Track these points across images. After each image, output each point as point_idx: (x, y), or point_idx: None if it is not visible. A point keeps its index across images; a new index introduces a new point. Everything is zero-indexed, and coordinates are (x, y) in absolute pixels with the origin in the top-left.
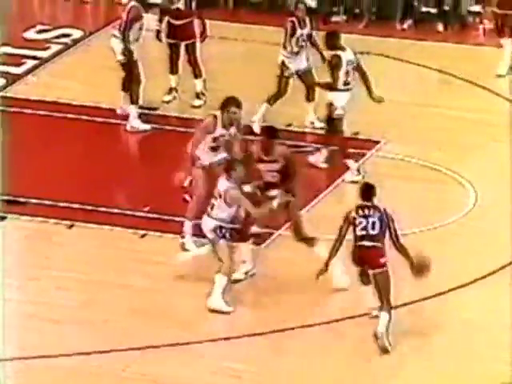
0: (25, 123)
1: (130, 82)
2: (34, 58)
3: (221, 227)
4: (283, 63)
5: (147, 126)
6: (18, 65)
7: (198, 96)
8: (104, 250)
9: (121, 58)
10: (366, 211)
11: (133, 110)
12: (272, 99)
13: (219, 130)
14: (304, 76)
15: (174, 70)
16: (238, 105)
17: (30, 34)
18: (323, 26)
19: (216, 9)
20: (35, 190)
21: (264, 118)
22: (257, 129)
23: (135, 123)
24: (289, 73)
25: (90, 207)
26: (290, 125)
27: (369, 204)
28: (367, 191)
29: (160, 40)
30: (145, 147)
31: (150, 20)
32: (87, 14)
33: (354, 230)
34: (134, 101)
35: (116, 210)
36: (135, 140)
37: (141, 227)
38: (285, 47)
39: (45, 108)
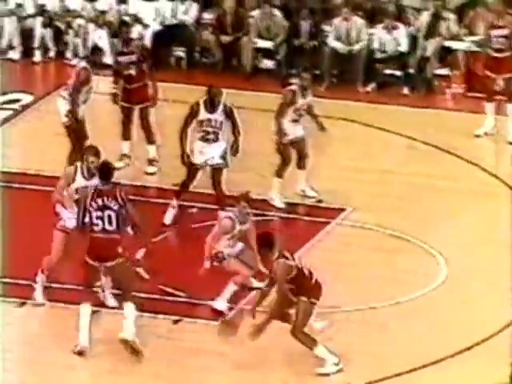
0: None
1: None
2: None
3: None
4: (280, 131)
5: None
6: None
7: (150, 162)
8: None
9: (65, 120)
10: None
11: None
12: (280, 171)
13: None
14: (298, 144)
15: (126, 135)
16: (96, 153)
17: None
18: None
19: (169, 71)
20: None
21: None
22: (279, 203)
23: None
24: (287, 140)
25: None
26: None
27: None
28: None
29: (116, 103)
30: None
31: (102, 82)
32: (36, 76)
33: None
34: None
35: None
36: None
37: None
38: (282, 115)
39: None
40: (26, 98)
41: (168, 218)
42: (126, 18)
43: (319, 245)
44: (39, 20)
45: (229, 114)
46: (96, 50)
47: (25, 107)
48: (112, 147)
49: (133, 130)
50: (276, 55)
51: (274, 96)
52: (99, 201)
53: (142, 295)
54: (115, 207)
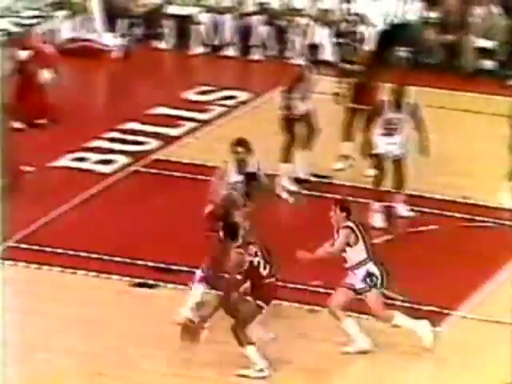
0: (180, 186)
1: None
2: (193, 120)
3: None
4: None
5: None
6: (175, 126)
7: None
8: None
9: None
10: None
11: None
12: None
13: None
14: None
15: (348, 136)
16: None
17: (190, 95)
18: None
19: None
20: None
21: None
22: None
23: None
24: None
25: None
26: None
27: None
28: None
29: (339, 103)
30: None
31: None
32: (254, 74)
33: None
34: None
35: None
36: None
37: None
38: None
39: (196, 171)
40: (243, 96)
41: (377, 221)
42: (350, 17)
43: None
44: (260, 18)
45: (413, 112)
46: (317, 48)
47: (241, 104)
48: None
49: (355, 131)
50: (497, 55)
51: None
52: None
53: None
54: None
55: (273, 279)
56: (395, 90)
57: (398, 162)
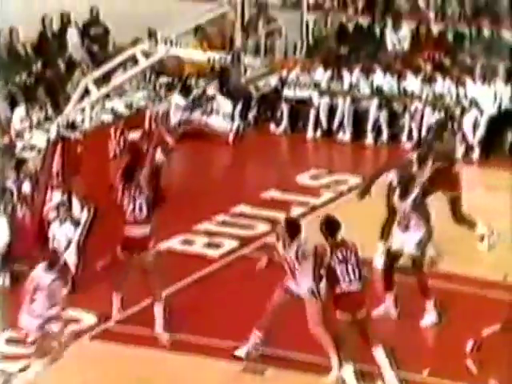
0: None
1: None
2: (305, 204)
3: None
4: None
5: None
6: (287, 210)
7: None
8: None
9: None
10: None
11: None
12: None
13: None
14: None
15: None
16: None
17: (303, 179)
18: None
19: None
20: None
21: None
22: None
23: None
24: None
25: None
26: None
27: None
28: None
29: None
30: None
31: None
32: (366, 159)
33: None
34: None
35: None
36: None
37: None
38: None
39: None
40: (354, 180)
41: None
42: (464, 102)
43: None
44: (375, 101)
45: None
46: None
47: (351, 189)
48: None
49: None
50: None
51: None
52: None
53: None
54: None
55: None
56: None
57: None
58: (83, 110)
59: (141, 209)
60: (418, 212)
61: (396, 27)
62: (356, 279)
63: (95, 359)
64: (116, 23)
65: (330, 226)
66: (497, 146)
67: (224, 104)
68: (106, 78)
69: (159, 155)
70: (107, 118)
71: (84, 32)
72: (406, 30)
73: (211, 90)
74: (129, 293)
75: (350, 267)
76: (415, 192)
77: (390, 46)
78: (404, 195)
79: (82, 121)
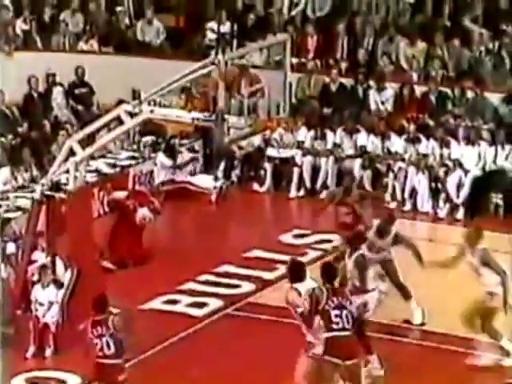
0: (272, 330)
1: None
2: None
3: None
4: None
5: None
6: (271, 270)
7: None
8: None
9: None
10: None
11: None
12: None
13: None
14: None
15: None
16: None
17: (287, 238)
18: None
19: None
20: None
21: None
22: None
23: None
24: None
25: None
26: None
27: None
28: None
29: None
30: None
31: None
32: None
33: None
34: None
35: None
36: None
37: None
38: None
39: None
40: (338, 239)
41: None
42: (448, 163)
43: None
44: (358, 161)
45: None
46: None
47: (336, 247)
48: None
49: None
50: None
51: None
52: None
53: None
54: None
55: None
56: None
57: None
58: (68, 170)
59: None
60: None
61: (379, 88)
62: (350, 327)
63: None
64: (101, 84)
65: (328, 273)
66: (481, 206)
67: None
68: (90, 139)
69: (146, 213)
70: (92, 177)
71: (69, 92)
72: (389, 91)
73: (195, 150)
74: None
75: (344, 314)
76: None
77: (373, 107)
78: None
79: (67, 181)
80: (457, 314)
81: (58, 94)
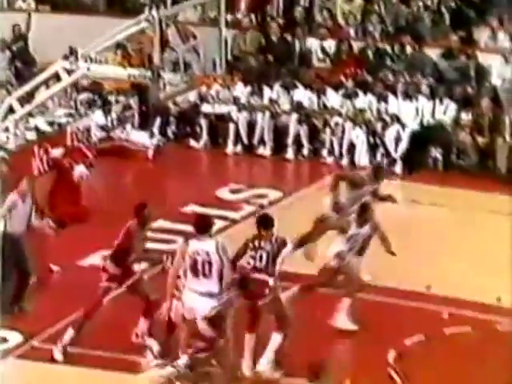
0: None
1: None
2: (225, 218)
3: None
4: None
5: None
6: None
7: None
8: None
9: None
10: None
11: None
12: None
13: None
14: None
15: None
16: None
17: (223, 194)
18: None
19: (425, 172)
20: None
21: None
22: None
23: None
24: None
25: None
26: None
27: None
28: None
29: None
30: None
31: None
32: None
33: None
34: None
35: None
36: None
37: None
38: None
39: None
40: (274, 194)
41: None
42: (386, 117)
43: None
44: (294, 116)
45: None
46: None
47: (272, 203)
48: None
49: None
50: None
51: None
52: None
53: None
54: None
55: None
56: None
57: None
58: (7, 128)
59: None
60: None
61: (318, 44)
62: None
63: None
64: (39, 42)
65: (265, 223)
66: (420, 160)
67: (140, 120)
68: (30, 97)
69: (83, 170)
70: (31, 136)
71: (8, 49)
72: (327, 46)
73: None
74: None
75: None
76: None
77: (311, 62)
78: None
79: (7, 139)
80: None
81: None
